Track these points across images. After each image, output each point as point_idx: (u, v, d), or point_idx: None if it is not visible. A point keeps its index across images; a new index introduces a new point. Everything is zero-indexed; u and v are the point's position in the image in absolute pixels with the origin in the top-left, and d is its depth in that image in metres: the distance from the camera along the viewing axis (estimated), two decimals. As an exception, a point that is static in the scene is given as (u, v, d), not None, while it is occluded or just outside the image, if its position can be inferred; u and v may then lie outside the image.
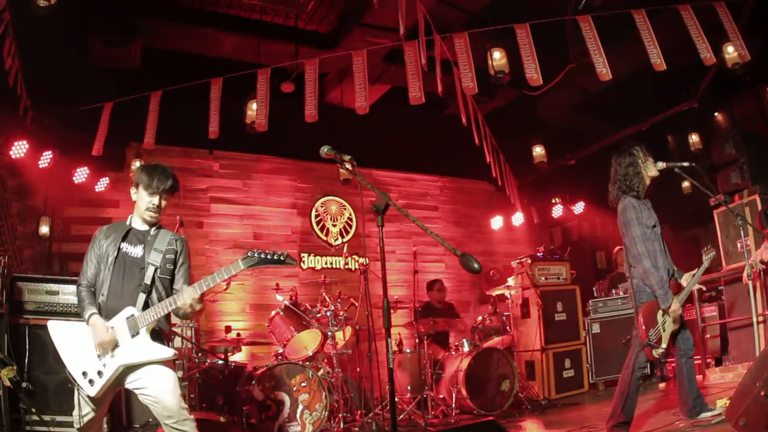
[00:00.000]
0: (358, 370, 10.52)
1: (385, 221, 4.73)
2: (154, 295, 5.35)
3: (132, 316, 5.17)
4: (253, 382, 8.28)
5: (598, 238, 16.17)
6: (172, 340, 5.70)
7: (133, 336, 5.13)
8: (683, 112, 12.50)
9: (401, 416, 9.68)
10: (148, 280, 5.33)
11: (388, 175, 14.55)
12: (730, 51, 9.00)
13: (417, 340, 10.46)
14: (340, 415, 8.86)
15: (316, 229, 13.32)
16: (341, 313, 9.60)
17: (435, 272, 14.05)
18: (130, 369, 5.14)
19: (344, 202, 13.74)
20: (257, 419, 8.14)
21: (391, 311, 10.78)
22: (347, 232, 13.64)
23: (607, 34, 8.89)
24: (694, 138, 13.08)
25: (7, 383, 7.26)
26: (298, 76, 10.25)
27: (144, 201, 5.50)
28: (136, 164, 10.76)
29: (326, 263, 13.20)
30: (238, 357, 10.19)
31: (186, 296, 5.16)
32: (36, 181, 10.55)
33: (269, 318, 9.59)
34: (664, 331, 7.26)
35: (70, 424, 7.99)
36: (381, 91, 12.52)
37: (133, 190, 5.61)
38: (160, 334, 5.34)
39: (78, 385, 5.07)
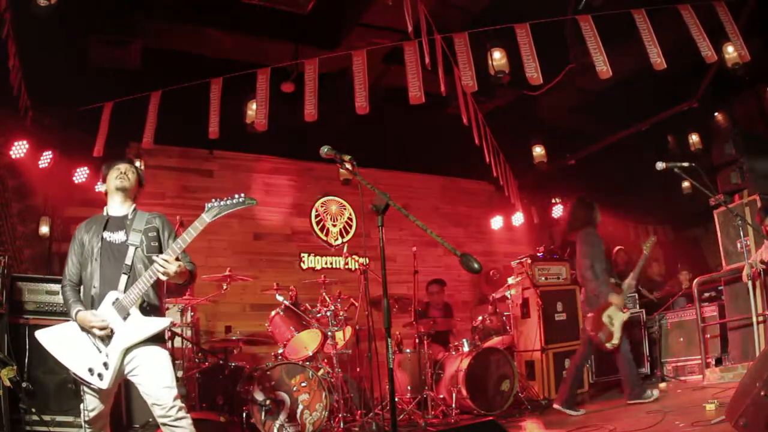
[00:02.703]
0: (358, 370, 10.53)
1: (385, 221, 4.73)
2: (135, 274, 5.37)
3: (117, 299, 5.23)
4: (253, 382, 8.28)
5: (598, 238, 16.18)
6: (165, 314, 5.67)
7: (125, 318, 5.19)
8: (683, 112, 12.51)
9: (401, 416, 9.69)
10: (129, 261, 5.38)
11: (388, 175, 14.52)
12: (730, 51, 9.01)
13: (417, 340, 10.45)
14: (340, 415, 8.85)
15: (316, 229, 13.32)
16: (341, 313, 9.60)
17: (435, 272, 14.05)
18: (129, 350, 5.20)
19: (344, 202, 13.74)
20: (257, 419, 8.13)
21: (395, 309, 10.84)
22: (347, 232, 13.64)
23: (607, 33, 8.89)
24: (694, 138, 13.09)
25: (7, 383, 7.25)
26: (298, 75, 10.24)
27: (112, 176, 5.70)
28: (137, 164, 10.75)
29: (326, 263, 13.21)
30: (238, 357, 10.18)
31: (159, 260, 5.16)
32: (36, 181, 10.55)
33: (269, 318, 9.58)
34: (613, 326, 9.02)
35: (70, 424, 8.04)
36: (381, 91, 12.50)
37: (101, 185, 5.84)
38: (152, 308, 5.40)
39: (87, 383, 5.11)
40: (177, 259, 5.25)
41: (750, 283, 9.29)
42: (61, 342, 5.23)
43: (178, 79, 9.40)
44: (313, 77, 9.26)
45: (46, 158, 10.24)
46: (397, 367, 10.51)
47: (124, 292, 5.25)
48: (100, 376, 5.09)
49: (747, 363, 8.72)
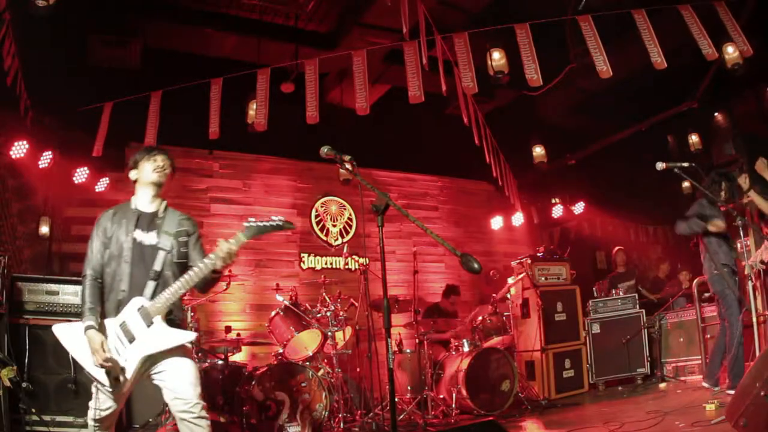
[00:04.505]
0: (358, 370, 10.52)
1: (385, 221, 4.74)
2: (163, 281, 5.20)
3: (142, 306, 5.06)
4: (253, 383, 8.27)
5: (598, 238, 16.21)
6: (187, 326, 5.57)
7: (148, 326, 5.03)
8: (683, 112, 12.52)
9: (401, 416, 9.68)
10: (158, 267, 5.21)
11: (387, 175, 14.55)
12: (730, 51, 9.01)
13: (417, 341, 10.45)
14: (340, 415, 8.86)
15: (316, 229, 13.31)
16: (341, 313, 9.60)
17: (435, 272, 14.06)
18: (152, 359, 5.06)
19: (344, 202, 13.74)
20: (257, 419, 8.13)
21: (394, 310, 10.84)
22: (347, 233, 13.63)
23: (607, 33, 8.89)
24: (694, 138, 13.10)
25: (7, 383, 7.25)
26: (298, 76, 10.25)
27: (148, 167, 5.48)
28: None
29: (326, 263, 13.20)
30: (238, 357, 10.18)
31: (225, 246, 5.14)
32: (36, 181, 10.55)
33: (269, 318, 9.57)
34: None
35: (70, 424, 8.04)
36: (381, 91, 12.52)
37: (133, 172, 5.59)
38: (176, 319, 5.24)
39: (102, 384, 4.95)
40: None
41: (750, 284, 9.30)
42: (80, 340, 5.02)
43: (178, 79, 9.39)
44: (313, 78, 9.26)
45: (46, 158, 10.24)
46: (397, 367, 10.51)
47: (151, 299, 5.09)
48: (116, 379, 4.95)
49: (747, 363, 8.73)
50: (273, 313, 9.51)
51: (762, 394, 4.96)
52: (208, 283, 5.35)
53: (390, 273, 13.17)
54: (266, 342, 10.15)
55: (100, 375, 4.92)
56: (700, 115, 12.70)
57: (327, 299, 9.76)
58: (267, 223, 5.33)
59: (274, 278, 11.17)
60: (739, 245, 9.60)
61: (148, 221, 5.40)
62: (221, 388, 8.80)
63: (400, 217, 12.06)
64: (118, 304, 5.10)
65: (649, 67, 8.86)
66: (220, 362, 9.03)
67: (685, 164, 7.69)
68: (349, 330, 10.41)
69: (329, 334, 9.28)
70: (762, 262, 9.47)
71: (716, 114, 12.83)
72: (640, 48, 8.88)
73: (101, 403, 5.01)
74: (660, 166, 7.62)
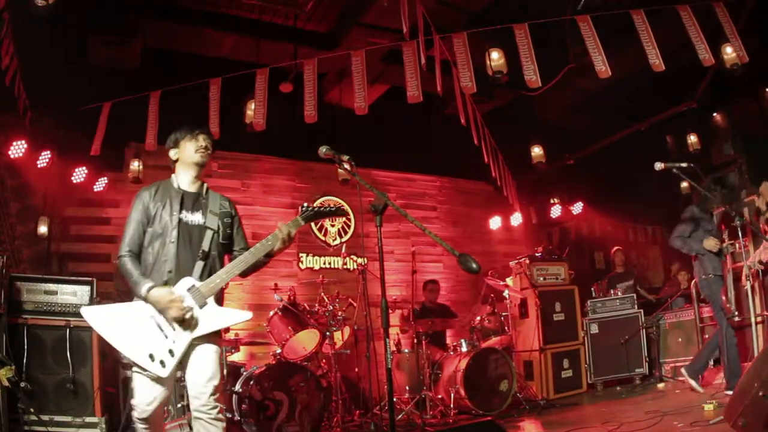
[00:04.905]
0: (356, 370, 10.54)
1: (384, 221, 4.75)
2: (210, 261, 5.16)
3: (193, 286, 4.96)
4: (252, 382, 8.28)
5: (596, 238, 16.23)
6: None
7: (201, 306, 4.93)
8: (682, 112, 12.53)
9: (399, 416, 9.69)
10: (206, 246, 5.15)
11: (386, 175, 14.54)
12: (729, 52, 8.99)
13: (415, 341, 10.45)
14: (338, 416, 8.88)
15: (315, 229, 13.29)
16: (339, 313, 9.62)
17: (433, 272, 14.05)
18: (194, 345, 4.90)
19: (343, 203, 13.72)
20: (255, 419, 8.14)
21: (390, 312, 10.84)
22: (345, 232, 13.62)
23: (607, 34, 8.89)
24: (692, 138, 13.08)
25: (6, 383, 7.25)
26: (297, 76, 10.24)
27: (190, 147, 5.43)
28: (135, 164, 10.84)
29: (324, 263, 13.18)
30: (237, 357, 10.18)
31: (285, 228, 5.23)
32: (35, 181, 10.55)
33: (268, 318, 9.57)
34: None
35: (68, 424, 8.05)
36: (380, 91, 12.52)
37: (173, 152, 5.50)
38: (222, 299, 5.18)
39: (144, 369, 4.72)
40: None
41: (749, 284, 9.32)
42: (115, 323, 4.77)
43: (178, 80, 9.39)
44: (312, 78, 9.25)
45: (44, 158, 10.23)
46: (396, 367, 10.52)
47: (200, 279, 5.00)
48: (162, 363, 4.73)
49: (745, 363, 8.75)
50: (271, 313, 9.51)
51: (760, 394, 4.97)
52: (258, 266, 5.31)
53: (388, 273, 13.16)
54: (265, 342, 10.14)
55: (142, 358, 4.71)
56: (699, 115, 12.71)
57: (325, 299, 9.78)
58: (322, 209, 5.44)
59: (272, 278, 11.13)
60: (737, 246, 9.63)
61: (193, 201, 5.33)
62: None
63: (398, 217, 12.01)
64: (163, 285, 4.90)
65: (648, 68, 8.86)
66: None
67: (684, 164, 7.69)
68: (347, 330, 10.42)
69: (327, 334, 9.30)
70: (761, 262, 9.49)
71: (715, 114, 12.84)
72: (639, 48, 8.88)
73: (144, 396, 4.80)
74: (659, 166, 7.62)
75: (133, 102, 9.38)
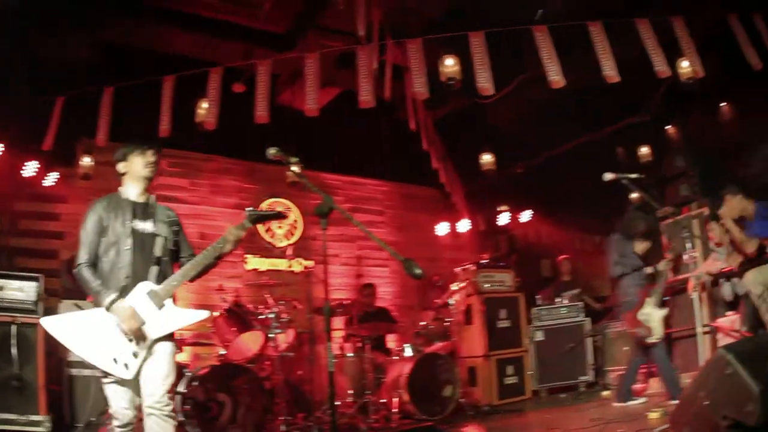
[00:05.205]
0: (299, 373, 10.50)
1: (330, 225, 4.75)
2: (162, 266, 5.45)
3: (152, 290, 5.28)
4: (195, 383, 8.24)
5: (544, 246, 16.28)
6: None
7: (159, 308, 5.26)
8: (635, 124, 12.66)
9: (342, 420, 9.66)
10: (158, 252, 5.44)
11: (335, 178, 14.51)
12: (685, 65, 9.07)
13: (359, 345, 10.45)
14: (281, 418, 8.83)
15: (262, 230, 13.22)
16: (284, 315, 9.59)
17: (379, 277, 14.05)
18: (157, 342, 5.23)
19: (290, 205, 13.67)
20: (198, 420, 8.09)
21: (334, 315, 10.85)
22: (292, 235, 13.57)
23: (563, 44, 8.94)
24: (644, 150, 13.22)
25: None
26: (251, 76, 10.19)
27: (139, 162, 5.63)
28: (86, 160, 10.71)
29: (270, 265, 13.11)
30: (181, 357, 10.09)
31: (235, 231, 5.53)
32: (-16, 176, 10.42)
33: (212, 319, 9.52)
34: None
35: (12, 422, 8.07)
36: (332, 94, 12.49)
37: (121, 165, 5.67)
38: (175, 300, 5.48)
39: (107, 374, 5.04)
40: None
41: (696, 295, 9.44)
42: (77, 331, 5.07)
43: (132, 76, 9.32)
44: (265, 78, 9.22)
45: (-6, 152, 10.11)
46: (339, 371, 10.49)
47: (156, 283, 5.32)
48: (126, 365, 5.05)
49: (692, 373, 8.85)
50: (216, 314, 9.46)
51: (706, 404, 5.02)
52: (208, 268, 5.61)
53: (334, 276, 13.17)
54: (209, 343, 10.07)
55: (106, 362, 5.02)
56: (653, 127, 12.84)
57: (270, 301, 9.74)
58: (266, 212, 5.98)
59: (218, 279, 11.06)
60: (686, 257, 9.78)
61: (143, 210, 5.58)
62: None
63: (345, 220, 11.99)
64: (122, 290, 5.20)
65: (602, 79, 8.91)
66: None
67: (633, 176, 7.77)
68: (291, 333, 10.38)
69: (271, 336, 9.26)
70: (708, 274, 9.63)
71: (668, 127, 12.98)
72: (594, 59, 8.93)
73: (119, 402, 5.12)
74: (608, 176, 7.69)
75: (87, 97, 9.28)
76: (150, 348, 5.18)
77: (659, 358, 9.27)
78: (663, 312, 9.19)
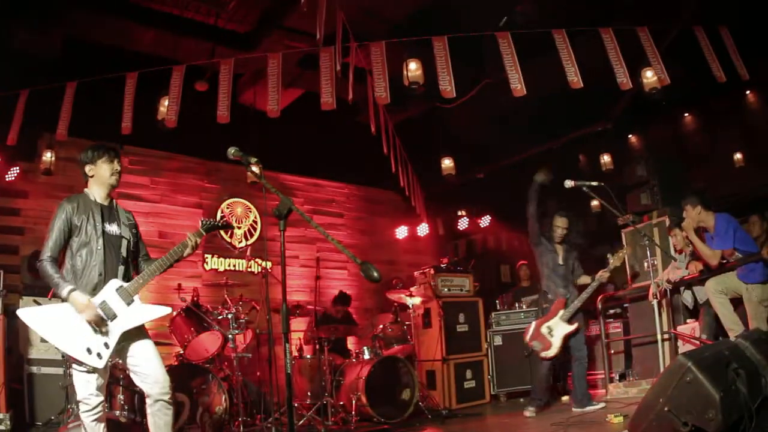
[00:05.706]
0: (258, 374, 10.48)
1: (290, 226, 4.76)
2: (128, 265, 5.84)
3: (121, 286, 5.59)
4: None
5: (503, 251, 16.39)
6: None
7: (128, 304, 5.58)
8: (597, 132, 12.76)
9: (300, 422, 9.64)
10: (124, 253, 5.80)
11: (295, 179, 14.52)
12: (649, 76, 9.12)
13: (317, 346, 10.43)
14: (239, 419, 8.80)
15: (221, 230, 13.19)
16: (243, 316, 9.58)
17: (338, 279, 14.08)
18: (127, 336, 5.54)
19: (250, 205, 13.64)
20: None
21: (293, 317, 10.84)
22: (251, 235, 13.54)
23: (527, 51, 8.96)
24: (605, 158, 13.34)
25: None
26: (213, 75, 10.15)
27: (106, 169, 5.94)
28: (47, 155, 10.69)
29: (229, 265, 13.06)
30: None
31: (193, 237, 5.94)
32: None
33: (170, 318, 9.49)
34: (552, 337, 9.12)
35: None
36: (294, 96, 12.49)
37: (88, 168, 5.92)
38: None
39: (82, 363, 5.25)
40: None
41: (656, 302, 9.51)
42: (52, 321, 5.30)
43: (96, 71, 9.25)
44: (227, 78, 9.18)
45: (-45, 145, 9.99)
46: (297, 372, 10.48)
47: (124, 280, 5.65)
48: (99, 355, 5.29)
49: (651, 379, 8.91)
50: (174, 314, 9.43)
51: (666, 409, 5.07)
52: (168, 268, 5.89)
53: (292, 278, 13.15)
54: (167, 342, 10.02)
55: (79, 352, 5.24)
56: (615, 136, 12.94)
57: (229, 302, 9.73)
58: (218, 222, 6.29)
59: (176, 278, 11.03)
60: (646, 264, 9.85)
61: (108, 213, 5.90)
62: (121, 388, 8.68)
63: (305, 222, 11.95)
64: (94, 286, 5.51)
65: (565, 88, 8.95)
66: (119, 361, 8.91)
67: (594, 183, 7.83)
68: (249, 333, 10.36)
69: (230, 336, 9.24)
70: (668, 281, 9.70)
71: (630, 136, 13.10)
72: (558, 67, 8.97)
73: (87, 389, 5.33)
74: (569, 184, 7.75)
75: (50, 91, 9.21)
76: (123, 340, 5.52)
77: (542, 373, 9.50)
78: (569, 328, 9.19)
